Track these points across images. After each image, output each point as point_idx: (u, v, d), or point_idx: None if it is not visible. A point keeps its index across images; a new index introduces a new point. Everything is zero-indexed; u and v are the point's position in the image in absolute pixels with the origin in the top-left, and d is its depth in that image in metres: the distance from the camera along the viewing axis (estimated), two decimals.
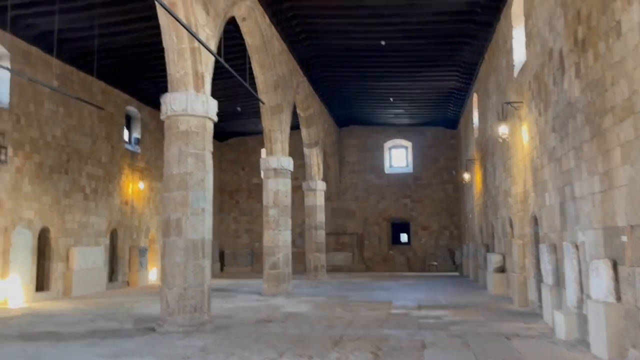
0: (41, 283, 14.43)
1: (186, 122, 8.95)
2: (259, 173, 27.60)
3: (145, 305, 12.50)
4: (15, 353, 7.18)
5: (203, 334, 8.37)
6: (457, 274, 24.19)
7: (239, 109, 21.34)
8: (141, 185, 19.42)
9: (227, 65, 10.02)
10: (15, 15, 12.65)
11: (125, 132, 19.08)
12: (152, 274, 20.02)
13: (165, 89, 18.95)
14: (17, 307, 12.49)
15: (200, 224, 8.89)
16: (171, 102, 8.97)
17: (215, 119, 9.42)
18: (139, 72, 17.37)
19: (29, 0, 11.67)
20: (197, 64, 9.01)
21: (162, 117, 9.14)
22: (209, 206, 9.11)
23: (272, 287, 14.48)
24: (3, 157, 12.80)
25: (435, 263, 25.56)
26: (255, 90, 14.55)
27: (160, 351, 7.11)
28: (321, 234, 20.82)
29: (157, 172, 20.90)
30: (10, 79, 13.40)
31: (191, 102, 8.93)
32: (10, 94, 13.40)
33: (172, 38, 8.84)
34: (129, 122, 19.52)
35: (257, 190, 27.12)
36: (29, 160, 13.95)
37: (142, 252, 19.13)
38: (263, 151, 27.76)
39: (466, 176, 20.31)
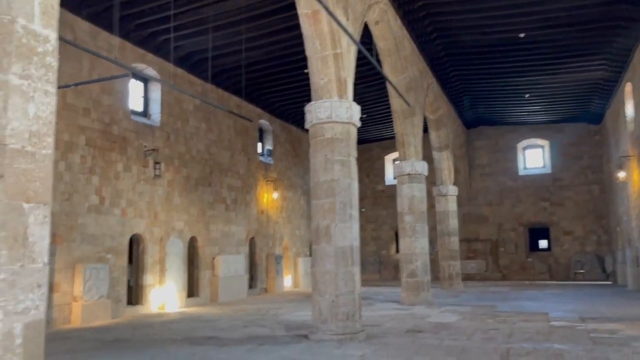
0: (191, 289, 15.34)
1: (331, 129, 8.92)
2: (384, 180, 27.35)
3: (288, 312, 12.71)
4: (185, 356, 7.52)
5: (357, 343, 8.21)
6: (609, 282, 21.91)
7: (364, 115, 21.24)
8: (275, 195, 20.03)
9: (379, 68, 9.93)
10: (163, 39, 13.68)
11: (259, 145, 19.83)
12: (287, 281, 20.51)
13: (293, 102, 19.23)
14: (173, 312, 13.35)
15: (348, 230, 8.78)
16: (316, 110, 8.99)
17: (359, 124, 9.30)
18: (269, 87, 17.99)
19: (177, 24, 12.52)
20: (339, 70, 8.97)
21: (307, 125, 9.20)
22: (355, 213, 8.98)
23: (411, 295, 14.05)
24: (158, 172, 13.82)
25: (582, 271, 23.39)
26: (386, 94, 14.35)
27: None
28: (454, 241, 19.97)
29: (288, 182, 21.50)
30: (161, 99, 14.50)
31: (335, 109, 8.89)
32: (161, 113, 14.49)
33: (315, 46, 8.88)
34: (261, 134, 20.28)
35: (382, 197, 26.86)
36: (178, 174, 14.95)
37: (278, 259, 19.69)
38: (387, 158, 27.67)
39: (621, 175, 18.31)
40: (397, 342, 8.28)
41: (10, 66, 3.16)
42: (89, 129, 12.12)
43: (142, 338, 9.29)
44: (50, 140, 3.42)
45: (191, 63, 15.22)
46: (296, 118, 21.34)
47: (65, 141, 11.44)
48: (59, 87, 9.38)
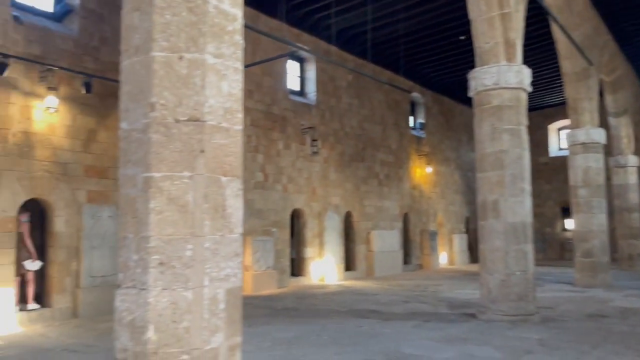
0: (348, 263, 15.67)
1: (498, 96, 8.29)
2: (547, 151, 25.18)
3: (448, 289, 12.35)
4: (353, 328, 7.64)
5: (532, 325, 7.64)
6: None
7: None
8: (428, 169, 19.54)
9: (560, 24, 9.01)
10: (317, 18, 13.88)
11: (410, 119, 19.42)
12: (442, 258, 20.02)
13: (445, 72, 18.36)
14: (332, 284, 13.76)
15: (520, 205, 8.14)
16: (481, 77, 8.41)
17: (529, 89, 8.52)
18: (421, 58, 17.40)
19: (328, 1, 12.59)
20: (507, 32, 8.25)
21: (471, 93, 8.66)
22: (528, 186, 8.29)
23: (587, 277, 12.76)
24: (315, 149, 14.22)
25: None
26: (548, 57, 13.01)
27: (494, 341, 6.65)
28: (635, 218, 17.72)
29: (441, 156, 20.82)
30: (316, 78, 14.82)
31: (503, 74, 8.22)
32: (316, 92, 14.82)
33: (480, 7, 8.26)
34: (413, 108, 19.83)
35: (545, 170, 24.79)
36: (333, 151, 15.23)
37: (432, 235, 19.26)
38: (550, 127, 25.37)
39: None
40: (579, 327, 7.54)
41: (205, 46, 3.30)
42: (253, 110, 12.82)
43: (309, 308, 9.68)
44: (240, 116, 3.54)
45: (343, 40, 15.28)
46: (449, 89, 20.48)
47: None
48: None
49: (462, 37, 14.32)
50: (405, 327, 7.71)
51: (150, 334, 3.09)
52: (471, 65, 9.01)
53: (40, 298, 8.94)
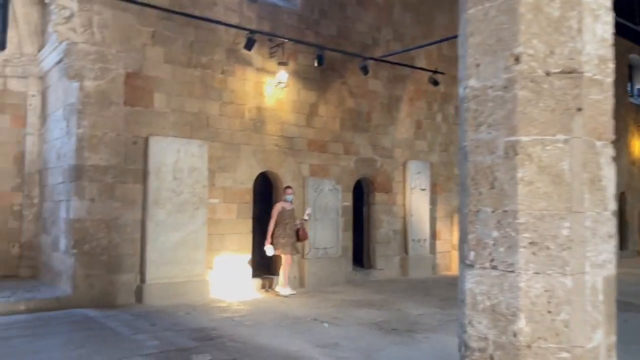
0: None
1: None
2: None
3: None
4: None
5: None
6: None
7: None
8: None
9: None
10: None
11: (628, 84, 16.91)
12: None
13: None
14: None
15: None
16: None
17: None
18: None
19: None
20: None
21: None
22: None
23: None
24: None
25: None
26: None
27: None
28: None
29: None
30: None
31: None
32: None
33: None
34: (630, 72, 17.24)
35: None
36: None
37: None
38: None
39: None
40: None
41: None
42: None
43: None
44: (612, 66, 2.89)
45: None
46: None
47: (442, 93, 11.60)
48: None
49: None
50: None
51: (522, 324, 2.65)
52: None
53: (269, 266, 9.38)
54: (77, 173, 7.32)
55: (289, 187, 8.75)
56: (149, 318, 6.51)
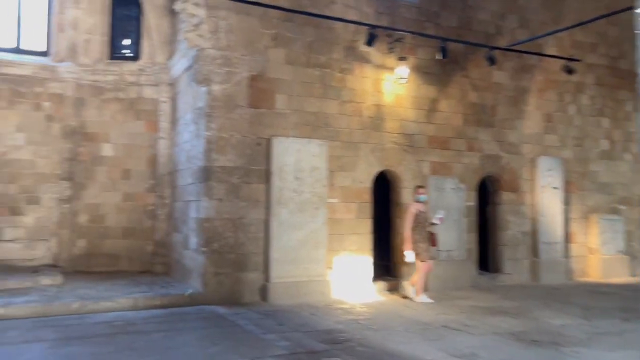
0: None
1: None
2: None
3: None
4: None
5: None
6: None
7: None
8: None
9: None
10: None
11: None
12: None
13: None
14: None
15: None
16: None
17: None
18: None
19: None
20: None
21: None
22: None
23: None
24: None
25: None
26: None
27: None
28: None
29: None
30: None
31: None
32: None
33: None
34: None
35: None
36: None
37: None
38: None
39: None
40: None
41: None
42: (596, 67, 10.94)
43: None
44: None
45: None
46: None
47: (575, 82, 10.60)
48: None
49: None
50: None
51: None
52: None
53: (388, 268, 9.12)
54: (206, 174, 7.58)
55: (421, 186, 8.27)
56: (275, 317, 6.54)
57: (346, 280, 8.21)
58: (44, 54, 9.74)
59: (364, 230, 8.54)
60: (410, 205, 8.13)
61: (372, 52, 8.61)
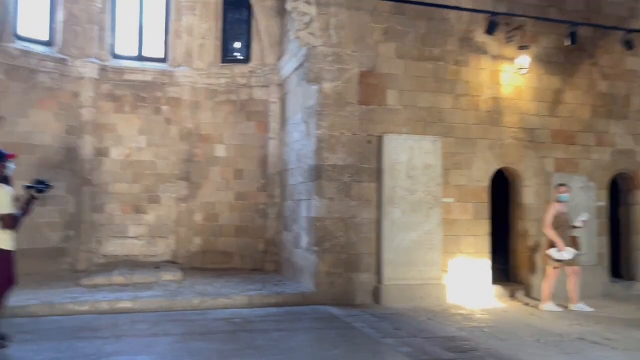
0: None
1: None
2: None
3: None
4: None
5: None
6: None
7: None
8: None
9: None
10: None
11: None
12: None
13: None
14: None
15: None
16: None
17: None
18: None
19: None
20: None
21: None
22: None
23: None
24: None
25: None
26: None
27: None
28: None
29: None
30: None
31: None
32: None
33: None
34: None
35: None
36: None
37: None
38: None
39: None
40: None
41: None
42: None
43: None
44: None
45: None
46: None
47: None
48: None
49: None
50: None
51: None
52: None
53: (507, 272, 8.54)
54: (317, 173, 7.51)
55: (562, 184, 7.48)
56: (391, 321, 6.29)
57: (463, 284, 7.77)
58: (162, 60, 10.25)
59: (481, 231, 8.04)
60: (549, 205, 7.46)
61: (489, 42, 8.09)
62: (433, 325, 6.15)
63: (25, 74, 8.85)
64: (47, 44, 9.32)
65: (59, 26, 9.38)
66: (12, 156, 5.04)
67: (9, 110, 8.63)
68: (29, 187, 5.05)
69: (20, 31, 8.97)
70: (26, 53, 8.83)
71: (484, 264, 7.97)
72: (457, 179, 7.99)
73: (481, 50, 8.15)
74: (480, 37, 8.06)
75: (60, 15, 9.38)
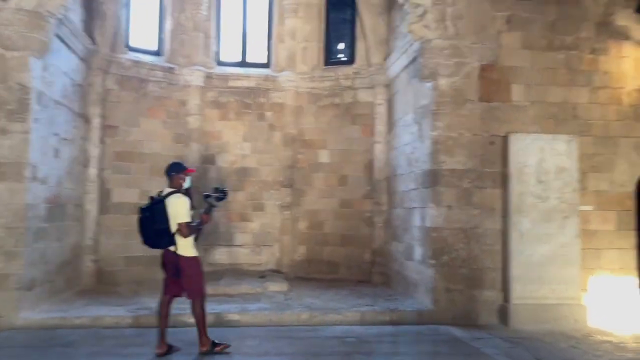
0: None
1: None
2: None
3: None
4: None
5: None
6: None
7: None
8: None
9: None
10: None
11: None
12: None
13: None
14: None
15: None
16: None
17: None
18: None
19: None
20: None
21: None
22: None
23: None
24: None
25: None
26: None
27: None
28: None
29: None
30: None
31: None
32: None
33: None
34: None
35: None
36: None
37: None
38: None
39: None
40: None
41: None
42: None
43: None
44: None
45: None
46: None
47: None
48: None
49: None
50: None
51: None
52: None
53: None
54: (433, 178, 6.84)
55: None
56: (527, 348, 5.46)
57: (606, 305, 6.72)
58: (265, 65, 10.08)
59: (627, 244, 6.93)
60: None
61: (634, 25, 6.99)
62: (580, 355, 5.24)
63: (136, 83, 9.01)
64: (156, 53, 9.46)
65: (167, 35, 9.50)
66: (191, 170, 5.15)
67: (121, 120, 8.82)
68: (207, 197, 5.06)
69: (132, 42, 9.17)
70: (137, 63, 8.99)
71: (631, 282, 6.86)
72: (596, 183, 6.96)
73: (623, 36, 7.06)
74: (623, 19, 6.99)
75: (168, 25, 9.50)
